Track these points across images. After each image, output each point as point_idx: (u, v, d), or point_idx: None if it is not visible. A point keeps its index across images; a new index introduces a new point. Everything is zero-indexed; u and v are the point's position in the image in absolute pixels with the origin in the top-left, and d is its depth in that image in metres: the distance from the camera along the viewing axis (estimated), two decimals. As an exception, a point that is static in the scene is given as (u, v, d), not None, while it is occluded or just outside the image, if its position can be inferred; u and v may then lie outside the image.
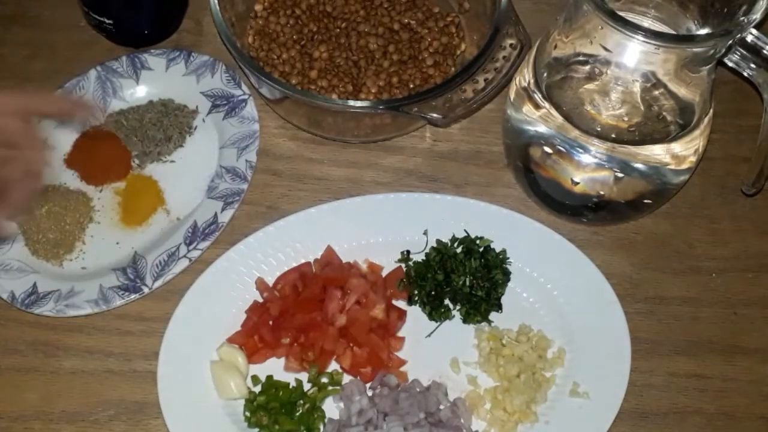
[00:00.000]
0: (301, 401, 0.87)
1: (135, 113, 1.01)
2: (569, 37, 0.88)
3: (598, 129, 0.89)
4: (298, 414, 0.87)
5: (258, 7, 1.05)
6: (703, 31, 0.85)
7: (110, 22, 1.03)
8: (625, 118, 0.90)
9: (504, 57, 0.94)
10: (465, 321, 0.92)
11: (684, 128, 0.89)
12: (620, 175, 0.91)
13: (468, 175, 1.02)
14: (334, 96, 0.99)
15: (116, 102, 1.02)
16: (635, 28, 0.79)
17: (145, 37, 1.07)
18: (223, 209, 0.96)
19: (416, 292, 0.93)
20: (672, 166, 0.92)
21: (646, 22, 0.89)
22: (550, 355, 0.90)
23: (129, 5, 1.03)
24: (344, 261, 0.94)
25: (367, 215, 0.96)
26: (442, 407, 0.87)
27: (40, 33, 1.09)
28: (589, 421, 0.87)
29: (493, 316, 0.92)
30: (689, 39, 0.85)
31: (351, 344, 0.89)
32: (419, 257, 0.94)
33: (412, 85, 1.00)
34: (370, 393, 0.88)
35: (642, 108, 0.90)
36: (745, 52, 0.82)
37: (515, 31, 0.95)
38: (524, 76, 0.93)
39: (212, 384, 0.88)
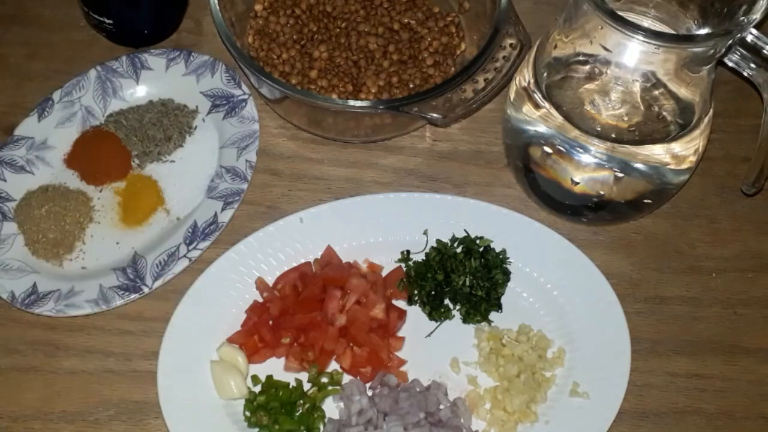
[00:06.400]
0: (301, 401, 0.87)
1: (135, 113, 1.01)
2: (569, 37, 0.88)
3: (598, 129, 0.89)
4: (298, 414, 0.87)
5: (258, 7, 1.05)
6: (703, 31, 0.86)
7: (110, 22, 1.03)
8: (625, 118, 0.90)
9: (504, 57, 0.94)
10: (465, 321, 0.92)
11: (684, 128, 0.89)
12: (620, 175, 0.91)
13: (468, 175, 1.02)
14: (334, 96, 0.99)
15: (116, 102, 1.02)
16: (635, 28, 0.79)
17: (145, 37, 1.07)
18: (223, 209, 0.96)
19: (416, 292, 0.93)
20: (672, 166, 0.92)
21: (646, 22, 0.89)
22: (550, 355, 0.90)
23: (129, 5, 1.03)
24: (344, 261, 0.94)
25: (367, 215, 0.96)
26: (442, 407, 0.87)
27: (40, 33, 1.09)
28: (589, 421, 0.87)
29: (493, 316, 0.92)
30: (689, 39, 0.85)
31: (351, 344, 0.89)
32: (419, 257, 0.94)
33: (412, 85, 1.00)
34: (370, 393, 0.88)
35: (642, 108, 0.90)
36: (745, 52, 0.82)
37: (515, 31, 0.95)
38: (524, 76, 0.93)
39: (212, 384, 0.88)
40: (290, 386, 0.88)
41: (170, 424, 0.85)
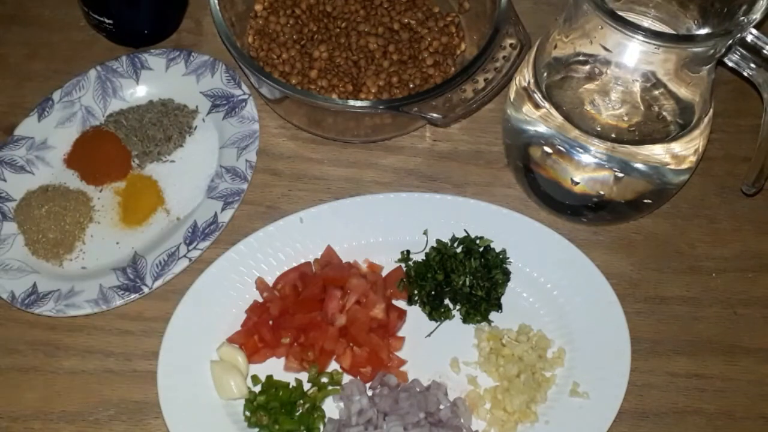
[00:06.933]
0: (301, 401, 0.87)
1: (135, 113, 1.01)
2: (569, 37, 0.88)
3: (598, 129, 0.89)
4: (298, 414, 0.87)
5: (258, 7, 1.05)
6: (703, 31, 0.86)
7: (110, 22, 1.03)
8: (625, 118, 0.90)
9: (504, 57, 0.94)
10: (465, 321, 0.92)
11: (684, 128, 0.89)
12: (620, 175, 0.91)
13: (468, 175, 1.02)
14: (334, 96, 0.99)
15: (116, 102, 1.02)
16: (635, 28, 0.79)
17: (145, 37, 1.07)
18: (223, 209, 0.96)
19: (416, 292, 0.93)
20: (672, 166, 0.92)
21: (646, 22, 0.89)
22: (550, 355, 0.90)
23: (129, 5, 1.03)
24: (344, 261, 0.94)
25: (367, 215, 0.96)
26: (442, 407, 0.87)
27: (40, 33, 1.09)
28: (589, 421, 0.87)
29: (493, 316, 0.92)
30: (689, 39, 0.85)
31: (351, 344, 0.89)
32: (419, 257, 0.94)
33: (412, 85, 1.00)
34: (370, 393, 0.88)
35: (642, 108, 0.90)
36: (745, 52, 0.82)
37: (515, 31, 0.95)
38: (524, 76, 0.93)
39: (212, 384, 0.88)
40: (290, 386, 0.88)
41: (170, 424, 0.85)
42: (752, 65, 0.83)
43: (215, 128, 1.02)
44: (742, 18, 0.79)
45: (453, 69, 1.03)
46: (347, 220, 0.95)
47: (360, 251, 0.94)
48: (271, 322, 0.90)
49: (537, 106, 0.92)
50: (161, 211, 0.98)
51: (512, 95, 0.96)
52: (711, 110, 0.91)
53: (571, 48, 0.89)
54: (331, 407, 0.88)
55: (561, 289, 0.93)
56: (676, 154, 0.91)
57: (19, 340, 0.91)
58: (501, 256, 0.93)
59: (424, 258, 0.94)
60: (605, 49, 0.85)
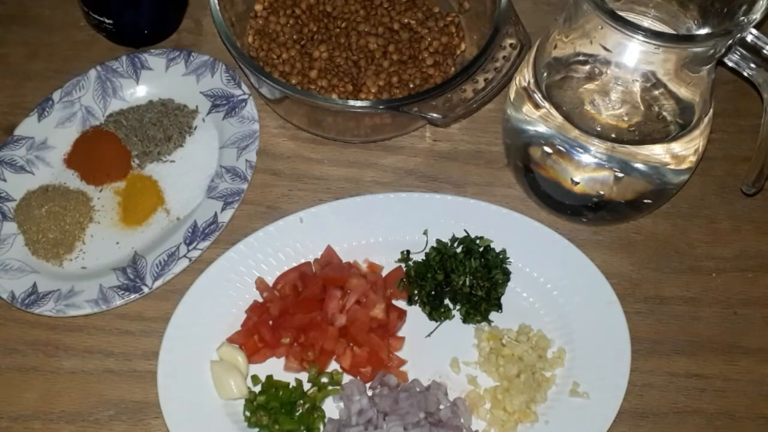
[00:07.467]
0: (301, 401, 0.87)
1: (135, 113, 1.01)
2: (569, 37, 0.88)
3: (598, 129, 0.89)
4: (298, 414, 0.87)
5: (258, 7, 1.05)
6: (703, 31, 0.86)
7: (110, 22, 1.03)
8: (625, 118, 0.90)
9: (504, 57, 0.94)
10: (465, 321, 0.92)
11: (684, 128, 0.89)
12: (620, 174, 0.91)
13: (468, 175, 1.02)
14: (334, 96, 0.99)
15: (116, 102, 1.02)
16: (635, 27, 0.79)
17: (145, 37, 1.07)
18: (223, 209, 0.96)
19: (416, 292, 0.93)
20: (672, 166, 0.92)
21: (646, 22, 0.89)
22: (550, 355, 0.90)
23: (129, 5, 1.03)
24: (344, 261, 0.94)
25: (367, 215, 0.96)
26: (442, 407, 0.87)
27: (40, 33, 1.09)
28: (589, 421, 0.87)
29: (493, 316, 0.92)
30: (689, 39, 0.85)
31: (351, 344, 0.89)
32: (419, 257, 0.94)
33: (412, 85, 1.00)
34: (370, 393, 0.88)
35: (642, 108, 0.90)
36: (745, 52, 0.82)
37: (515, 31, 0.95)
38: (524, 76, 0.93)
39: (212, 384, 0.88)
40: (290, 386, 0.88)
41: (170, 424, 0.85)
42: (752, 65, 0.83)
43: (215, 128, 1.02)
44: (742, 18, 0.79)
45: (453, 69, 1.03)
46: (347, 220, 0.95)
47: (360, 251, 0.94)
48: (271, 322, 0.90)
49: (537, 106, 0.92)
50: (161, 211, 0.98)
51: (512, 95, 0.96)
52: (711, 110, 0.91)
53: (571, 48, 0.89)
54: (331, 407, 0.88)
55: (561, 289, 0.93)
56: (676, 154, 0.91)
57: (19, 340, 0.91)
58: (501, 256, 0.93)
59: (424, 258, 0.94)
60: (605, 49, 0.85)
